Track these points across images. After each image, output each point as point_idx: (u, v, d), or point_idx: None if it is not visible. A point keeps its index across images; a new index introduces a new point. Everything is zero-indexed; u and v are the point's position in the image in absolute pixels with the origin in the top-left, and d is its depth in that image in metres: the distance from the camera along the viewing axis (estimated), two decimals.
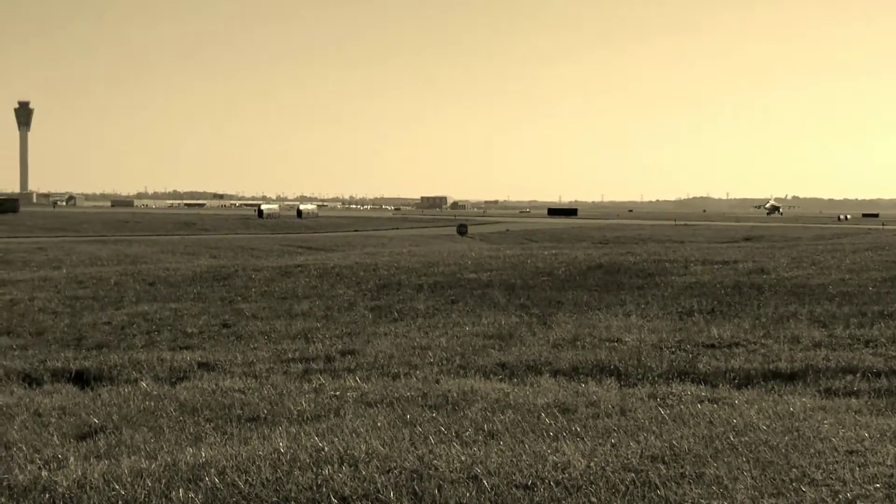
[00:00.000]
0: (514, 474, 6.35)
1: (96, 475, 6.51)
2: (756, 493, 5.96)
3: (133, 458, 7.16)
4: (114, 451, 7.54)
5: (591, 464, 6.55)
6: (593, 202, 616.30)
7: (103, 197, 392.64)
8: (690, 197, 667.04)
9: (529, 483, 6.18)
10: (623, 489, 6.05)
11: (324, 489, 6.10)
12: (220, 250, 53.17)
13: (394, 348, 12.82)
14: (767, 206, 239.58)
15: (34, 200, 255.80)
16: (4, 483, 6.50)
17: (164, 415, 8.99)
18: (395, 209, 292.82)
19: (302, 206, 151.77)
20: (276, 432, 7.94)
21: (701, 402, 8.96)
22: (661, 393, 9.45)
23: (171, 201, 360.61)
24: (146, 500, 6.06)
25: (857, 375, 10.18)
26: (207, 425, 8.49)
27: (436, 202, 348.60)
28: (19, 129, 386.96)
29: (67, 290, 22.06)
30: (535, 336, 13.69)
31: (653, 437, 7.38)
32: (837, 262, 25.62)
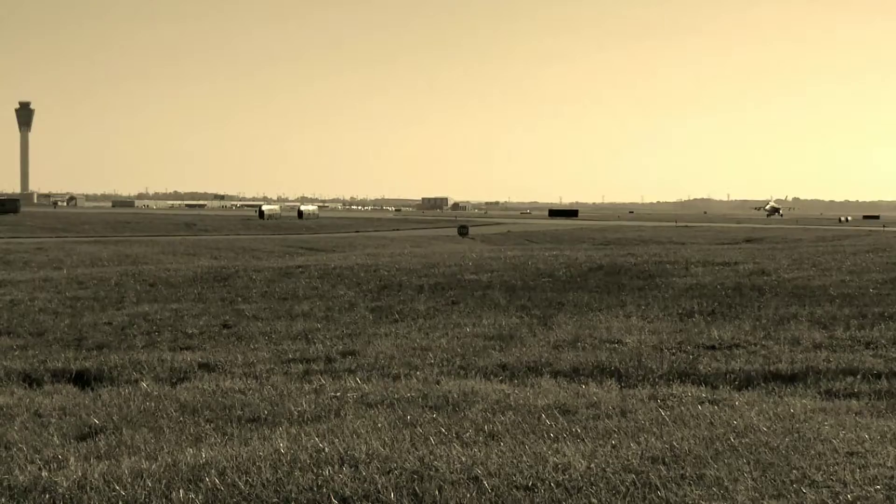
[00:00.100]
0: (515, 475, 6.35)
1: (96, 476, 6.50)
2: (756, 494, 5.95)
3: (133, 458, 7.15)
4: (114, 452, 7.53)
5: (592, 465, 6.55)
6: (594, 203, 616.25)
7: (104, 197, 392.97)
8: (691, 198, 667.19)
9: (530, 484, 6.17)
10: (623, 490, 6.04)
11: (324, 490, 6.09)
12: (221, 251, 53.17)
13: (394, 349, 12.82)
14: (767, 207, 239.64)
15: (35, 201, 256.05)
16: (5, 483, 6.50)
17: (164, 415, 8.99)
18: (396, 210, 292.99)
19: (303, 207, 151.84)
20: (276, 433, 7.94)
21: (701, 403, 8.96)
22: (661, 394, 9.45)
23: (171, 202, 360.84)
24: (146, 500, 6.05)
25: (858, 377, 10.18)
26: (208, 426, 8.49)
27: (437, 203, 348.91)
28: (20, 129, 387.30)
29: (68, 290, 22.06)
30: (535, 337, 13.69)
31: (653, 439, 7.37)
32: (838, 263, 25.62)
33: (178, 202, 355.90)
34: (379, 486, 6.14)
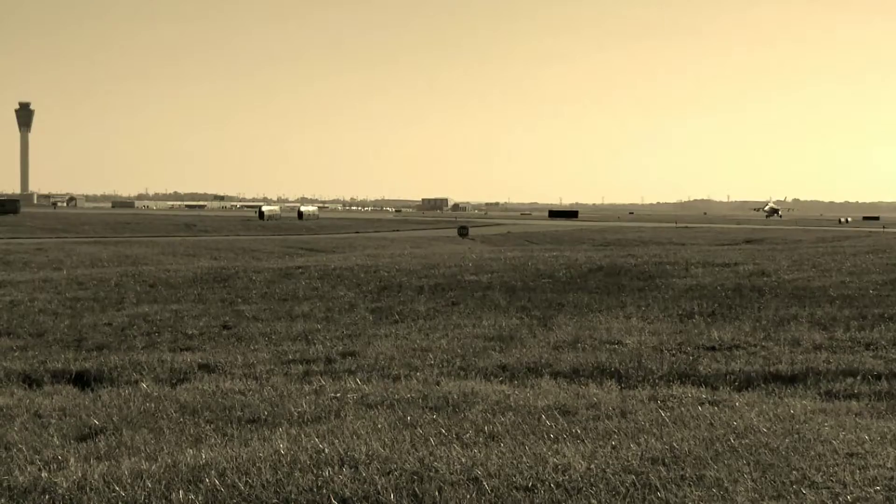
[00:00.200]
0: (515, 476, 6.35)
1: (96, 476, 6.50)
2: (756, 495, 5.95)
3: (133, 459, 7.15)
4: (114, 453, 7.53)
5: (592, 466, 6.55)
6: (594, 204, 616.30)
7: (104, 198, 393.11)
8: (691, 199, 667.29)
9: (530, 485, 6.17)
10: (623, 491, 6.04)
11: (324, 491, 6.09)
12: (221, 252, 53.15)
13: (394, 350, 12.82)
14: (766, 208, 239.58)
15: (35, 201, 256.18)
16: (4, 484, 6.50)
17: (164, 416, 8.99)
18: (396, 211, 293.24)
19: (303, 208, 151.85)
20: (276, 434, 7.94)
21: (701, 404, 8.96)
22: (661, 395, 9.45)
23: (171, 203, 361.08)
24: (146, 501, 6.05)
25: (858, 378, 10.18)
26: (208, 427, 8.49)
27: (437, 204, 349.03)
28: (20, 129, 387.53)
29: (68, 291, 22.06)
30: (535, 338, 13.68)
31: (653, 440, 7.37)
32: (838, 264, 25.63)
33: (178, 203, 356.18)
34: (379, 487, 6.14)
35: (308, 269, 26.70)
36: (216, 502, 6.02)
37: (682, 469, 6.50)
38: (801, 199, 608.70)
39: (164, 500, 6.05)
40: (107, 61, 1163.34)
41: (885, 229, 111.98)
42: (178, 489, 6.19)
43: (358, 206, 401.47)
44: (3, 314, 18.00)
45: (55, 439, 8.11)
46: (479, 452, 7.00)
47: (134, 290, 22.14)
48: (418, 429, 7.92)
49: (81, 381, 11.53)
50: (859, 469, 6.44)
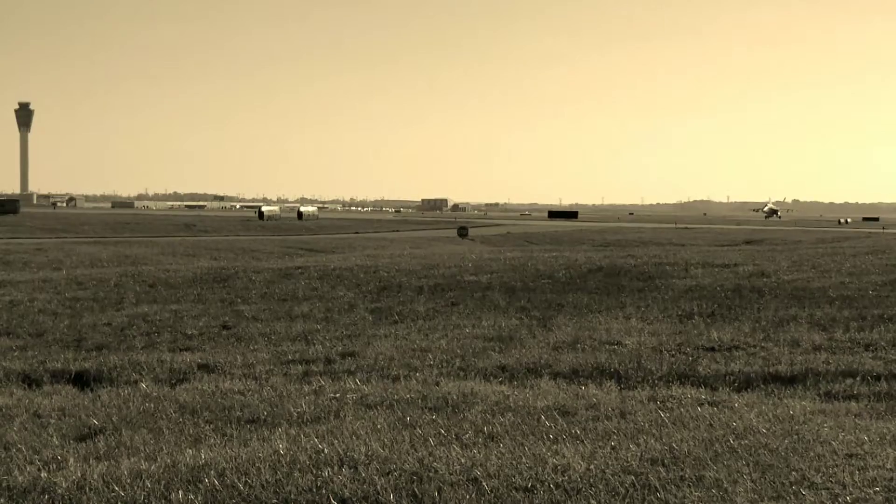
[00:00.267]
0: (514, 477, 6.35)
1: (96, 476, 6.50)
2: (756, 496, 5.96)
3: (132, 459, 7.15)
4: (113, 453, 7.53)
5: (591, 466, 6.55)
6: (593, 205, 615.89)
7: (104, 198, 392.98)
8: (691, 200, 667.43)
9: (529, 485, 6.17)
10: (623, 492, 6.05)
11: (323, 491, 6.09)
12: (221, 252, 53.15)
13: (394, 350, 12.82)
14: (766, 209, 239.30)
15: (34, 201, 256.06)
16: (4, 484, 6.50)
17: (163, 416, 8.99)
18: (396, 211, 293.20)
19: (302, 208, 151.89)
20: (275, 434, 7.94)
21: (701, 405, 8.96)
22: (660, 396, 9.45)
23: (171, 203, 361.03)
24: (145, 501, 6.05)
25: (857, 379, 10.18)
26: (207, 427, 8.49)
27: (436, 204, 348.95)
28: (20, 130, 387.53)
29: (67, 291, 22.06)
30: (535, 338, 13.69)
31: (653, 440, 7.38)
32: (837, 265, 25.63)
33: (178, 203, 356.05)
34: (378, 487, 6.14)
35: (307, 270, 26.70)
36: (215, 502, 6.02)
37: (682, 470, 6.51)
38: (801, 199, 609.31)
39: (163, 500, 6.05)
40: (106, 61, 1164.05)
41: (885, 230, 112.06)
42: (178, 489, 6.19)
43: (357, 207, 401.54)
44: (2, 314, 18.00)
45: (54, 439, 8.11)
46: (479, 453, 7.00)
47: (133, 290, 22.13)
48: (418, 429, 7.92)
49: (81, 381, 11.53)
50: (859, 470, 6.45)
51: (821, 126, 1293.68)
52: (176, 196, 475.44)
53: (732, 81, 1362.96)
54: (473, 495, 6.01)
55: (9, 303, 19.72)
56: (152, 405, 9.50)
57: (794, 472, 6.42)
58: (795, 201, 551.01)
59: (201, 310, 18.21)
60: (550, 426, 7.99)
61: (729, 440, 7.33)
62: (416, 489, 6.12)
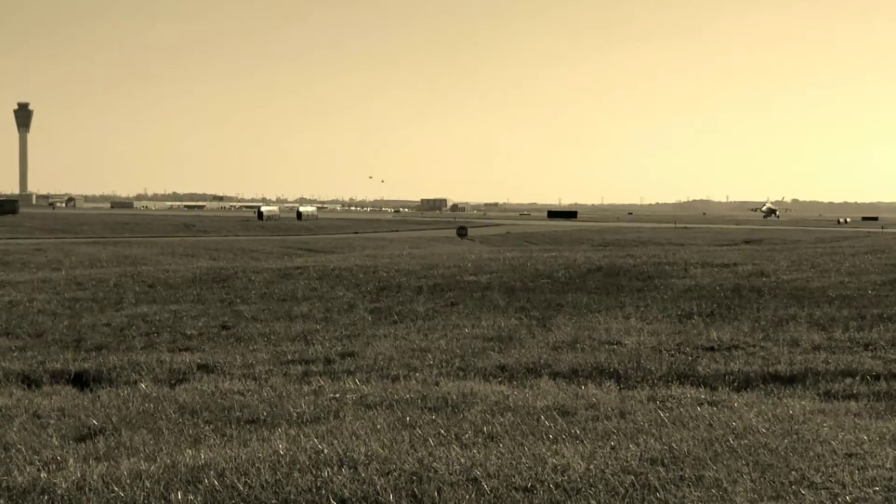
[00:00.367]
0: (514, 477, 6.35)
1: (95, 477, 6.50)
2: (755, 495, 5.96)
3: (132, 459, 7.15)
4: (113, 453, 7.53)
5: (591, 466, 6.55)
6: (593, 205, 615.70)
7: (103, 198, 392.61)
8: (690, 200, 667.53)
9: (529, 485, 6.18)
10: (622, 492, 6.05)
11: (323, 491, 6.10)
12: (220, 252, 53.14)
13: (393, 350, 12.82)
14: (764, 208, 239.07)
15: (33, 202, 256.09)
16: (3, 485, 6.50)
17: (163, 416, 8.99)
18: (395, 211, 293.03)
19: (302, 208, 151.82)
20: (275, 434, 7.94)
21: (700, 404, 8.96)
22: (660, 396, 9.46)
23: (170, 203, 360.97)
24: (145, 501, 6.05)
25: (857, 378, 10.19)
26: (207, 427, 8.49)
27: (436, 204, 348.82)
28: (19, 130, 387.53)
29: (67, 291, 22.05)
30: (534, 338, 13.69)
31: (652, 440, 7.38)
32: (837, 265, 25.64)
33: (177, 203, 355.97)
34: (378, 487, 6.14)
35: (307, 270, 26.70)
36: (215, 503, 6.02)
37: (681, 469, 6.51)
38: (800, 199, 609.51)
39: (162, 501, 6.05)
40: (105, 62, 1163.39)
41: (884, 230, 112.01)
42: (177, 489, 6.19)
43: (357, 207, 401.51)
44: (1, 314, 18.00)
45: (54, 440, 8.11)
46: (478, 453, 7.00)
47: (133, 290, 22.13)
48: (417, 429, 7.92)
49: (80, 381, 11.53)
50: (858, 469, 6.45)
51: (820, 126, 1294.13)
52: (175, 196, 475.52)
53: (732, 81, 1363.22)
54: (473, 495, 6.01)
55: (8, 303, 19.71)
56: (152, 405, 9.50)
57: (793, 472, 6.42)
58: (794, 201, 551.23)
59: (201, 310, 18.21)
60: (550, 426, 7.99)
61: (728, 440, 7.33)
62: (415, 489, 6.12)
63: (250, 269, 27.93)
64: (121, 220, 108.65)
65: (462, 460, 6.73)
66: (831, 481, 6.21)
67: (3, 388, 11.07)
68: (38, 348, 14.08)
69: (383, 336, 14.36)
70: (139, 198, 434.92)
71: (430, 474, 6.42)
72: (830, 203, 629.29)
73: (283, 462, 6.76)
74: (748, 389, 9.99)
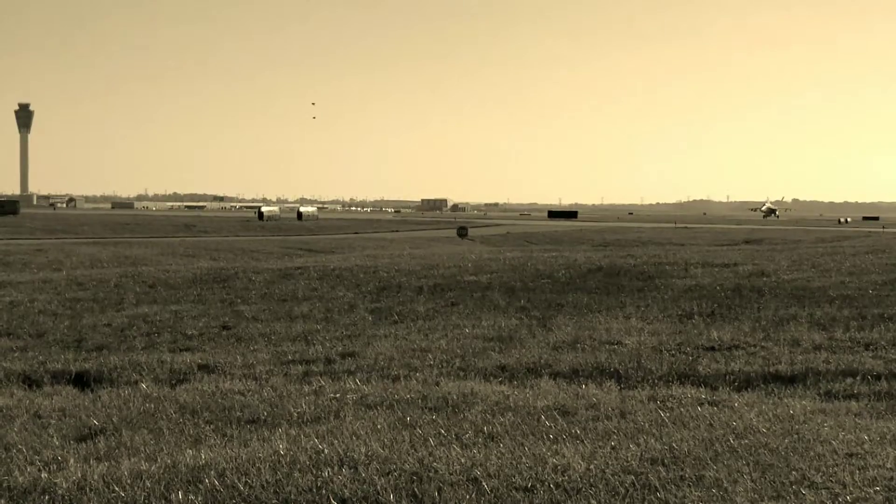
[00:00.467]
0: (514, 477, 6.35)
1: (96, 477, 6.51)
2: (756, 495, 5.96)
3: (133, 459, 7.16)
4: (114, 453, 7.54)
5: (591, 466, 6.55)
6: (593, 205, 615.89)
7: (104, 199, 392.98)
8: (691, 200, 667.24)
9: (529, 485, 6.18)
10: (623, 492, 6.05)
11: (323, 491, 6.10)
12: (220, 252, 53.15)
13: (394, 350, 12.82)
14: (764, 208, 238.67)
15: (34, 202, 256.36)
16: (4, 485, 6.50)
17: (163, 417, 8.99)
18: (396, 211, 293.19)
19: (302, 209, 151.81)
20: (275, 434, 7.94)
21: (701, 404, 8.96)
22: (660, 395, 9.45)
23: (171, 203, 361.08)
24: (146, 501, 6.06)
25: (858, 378, 10.18)
26: (207, 427, 8.49)
27: (436, 204, 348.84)
28: (20, 131, 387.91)
29: (67, 291, 22.07)
30: (535, 338, 13.69)
31: (653, 440, 7.38)
32: (837, 264, 25.63)
33: (178, 204, 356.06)
34: (378, 487, 6.14)
35: (307, 270, 26.70)
36: (216, 503, 6.02)
37: (682, 469, 6.51)
38: (801, 199, 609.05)
39: (163, 501, 6.06)
40: (106, 62, 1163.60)
41: (885, 229, 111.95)
42: (178, 490, 6.19)
43: (357, 207, 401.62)
44: (3, 315, 18.00)
45: (55, 440, 8.11)
46: (479, 453, 7.00)
47: (133, 290, 22.14)
48: (418, 429, 7.92)
49: (81, 381, 11.53)
50: (859, 469, 6.45)
51: (821, 126, 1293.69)
52: (175, 197, 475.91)
53: (732, 82, 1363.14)
54: (473, 495, 6.01)
55: (9, 303, 19.72)
56: (152, 406, 9.50)
57: (794, 472, 6.42)
58: (795, 200, 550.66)
59: (201, 310, 18.22)
60: (550, 426, 7.99)
61: (729, 440, 7.33)
62: (416, 489, 6.12)
63: (251, 269, 27.94)
64: (121, 220, 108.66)
65: (462, 460, 6.74)
66: (832, 481, 6.21)
67: (4, 388, 11.08)
68: (39, 348, 14.09)
69: (384, 336, 14.36)
70: (140, 198, 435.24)
71: (431, 474, 6.42)
72: (831, 203, 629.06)
73: (284, 462, 6.76)
74: (749, 389, 9.99)
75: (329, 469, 6.55)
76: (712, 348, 12.36)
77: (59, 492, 6.24)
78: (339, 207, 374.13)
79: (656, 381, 10.41)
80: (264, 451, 7.15)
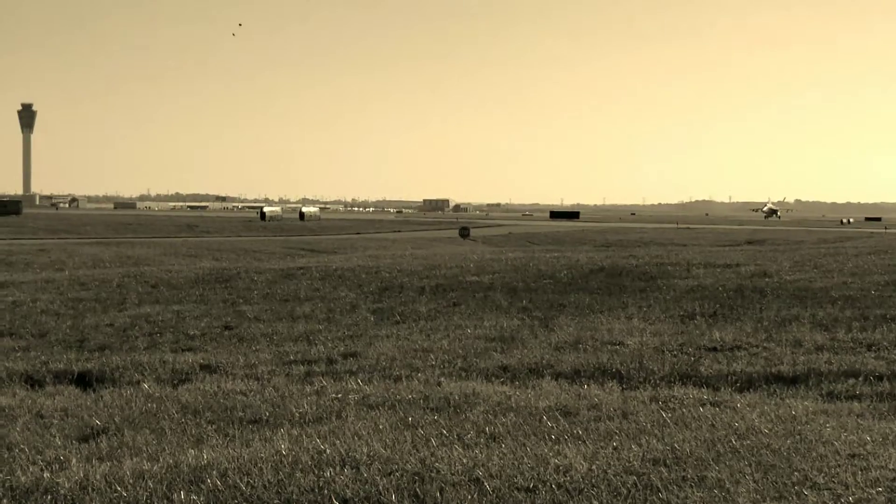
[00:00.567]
0: (516, 477, 6.35)
1: (98, 477, 6.52)
2: (758, 496, 5.96)
3: (135, 459, 7.17)
4: (116, 453, 7.55)
5: (593, 467, 6.55)
6: (595, 205, 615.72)
7: (106, 199, 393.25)
8: (693, 200, 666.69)
9: (531, 486, 6.18)
10: (625, 492, 6.05)
11: (325, 491, 6.10)
12: (223, 252, 53.19)
13: (396, 351, 12.82)
14: (765, 209, 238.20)
15: (37, 203, 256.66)
16: (7, 484, 6.51)
17: (166, 417, 9.00)
18: (398, 212, 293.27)
19: (304, 209, 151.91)
20: (277, 434, 7.95)
21: (703, 405, 8.96)
22: (662, 396, 9.45)
23: (173, 203, 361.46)
24: (148, 501, 6.06)
25: (860, 379, 10.18)
26: (209, 427, 8.50)
27: (438, 205, 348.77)
28: (22, 131, 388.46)
29: (70, 291, 22.09)
30: (536, 339, 13.69)
31: (654, 441, 7.38)
32: (840, 265, 25.62)
33: (180, 204, 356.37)
34: (380, 487, 6.14)
35: (309, 270, 26.71)
36: (218, 503, 6.03)
37: (684, 470, 6.51)
38: (803, 199, 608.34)
39: (165, 501, 6.06)
40: (109, 62, 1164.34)
41: (888, 230, 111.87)
42: (180, 489, 6.20)
43: (359, 207, 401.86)
44: (5, 315, 18.03)
45: (57, 440, 8.12)
46: (481, 453, 7.01)
47: (136, 290, 22.16)
48: (419, 429, 7.92)
49: (83, 381, 11.55)
50: (861, 470, 6.45)
51: (823, 127, 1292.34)
52: (178, 197, 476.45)
53: (734, 83, 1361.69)
54: (475, 496, 6.01)
55: (12, 303, 19.74)
56: (155, 405, 9.51)
57: (796, 473, 6.42)
58: (797, 201, 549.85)
59: (203, 310, 18.23)
60: (552, 426, 7.99)
61: (731, 440, 7.33)
62: (417, 489, 6.13)
63: (253, 269, 27.95)
64: (124, 220, 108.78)
65: (464, 460, 6.74)
66: (834, 482, 6.20)
67: (6, 388, 11.10)
68: (41, 348, 14.10)
69: (385, 336, 14.36)
70: (142, 198, 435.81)
71: (433, 474, 6.42)
72: (833, 203, 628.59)
73: (286, 462, 6.77)
74: (751, 390, 9.98)
75: (331, 469, 6.56)
76: (714, 349, 12.35)
77: (62, 492, 6.24)
78: (341, 208, 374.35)
79: (658, 381, 10.40)
80: (266, 451, 7.15)
